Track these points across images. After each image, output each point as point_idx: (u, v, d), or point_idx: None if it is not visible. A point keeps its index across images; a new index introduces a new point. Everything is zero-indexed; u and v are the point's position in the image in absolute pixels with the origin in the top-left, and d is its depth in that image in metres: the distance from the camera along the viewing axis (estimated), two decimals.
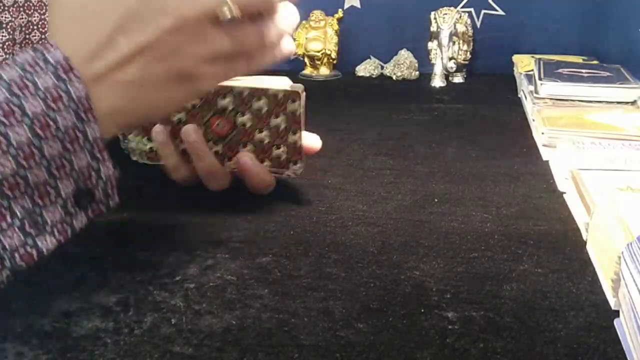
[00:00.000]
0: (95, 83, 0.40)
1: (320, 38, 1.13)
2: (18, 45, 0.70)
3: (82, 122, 0.38)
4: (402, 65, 1.14)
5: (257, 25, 0.46)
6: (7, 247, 0.36)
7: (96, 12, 0.42)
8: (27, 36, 0.70)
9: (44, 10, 0.73)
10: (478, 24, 1.17)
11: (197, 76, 0.44)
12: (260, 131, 0.56)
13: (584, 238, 0.51)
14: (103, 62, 0.40)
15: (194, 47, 0.43)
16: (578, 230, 0.53)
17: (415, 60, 1.15)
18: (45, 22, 0.72)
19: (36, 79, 0.37)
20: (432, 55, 1.11)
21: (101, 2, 0.42)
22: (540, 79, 0.85)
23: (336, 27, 1.14)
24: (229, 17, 0.43)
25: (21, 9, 0.70)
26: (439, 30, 1.06)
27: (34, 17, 0.69)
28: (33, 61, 0.38)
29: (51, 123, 0.37)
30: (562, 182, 0.61)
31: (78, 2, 0.43)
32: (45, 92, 0.37)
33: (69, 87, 0.38)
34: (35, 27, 0.70)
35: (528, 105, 0.88)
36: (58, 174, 0.38)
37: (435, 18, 1.08)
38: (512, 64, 1.11)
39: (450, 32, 1.05)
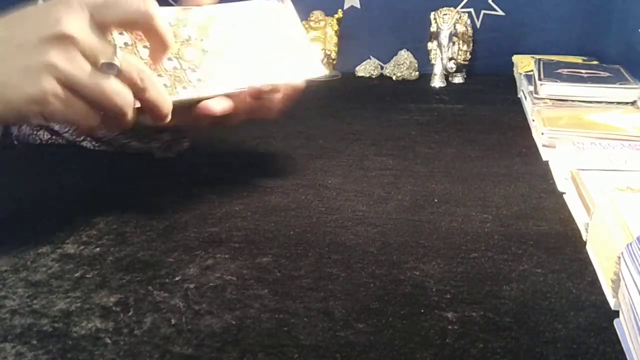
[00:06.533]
0: None
1: (320, 38, 1.13)
2: None
3: None
4: (402, 65, 1.15)
5: None
6: None
7: None
8: None
9: None
10: (478, 24, 1.17)
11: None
12: None
13: (584, 238, 0.51)
14: None
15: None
16: (578, 230, 0.53)
17: (415, 61, 1.16)
18: None
19: None
20: (432, 56, 1.11)
21: None
22: (540, 79, 0.85)
23: (336, 27, 1.14)
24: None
25: None
26: (439, 30, 1.06)
27: None
28: None
29: None
30: (562, 182, 0.61)
31: None
32: None
33: None
34: None
35: (528, 106, 0.88)
36: None
37: (435, 18, 1.08)
38: (512, 64, 1.11)
39: (450, 33, 1.05)
